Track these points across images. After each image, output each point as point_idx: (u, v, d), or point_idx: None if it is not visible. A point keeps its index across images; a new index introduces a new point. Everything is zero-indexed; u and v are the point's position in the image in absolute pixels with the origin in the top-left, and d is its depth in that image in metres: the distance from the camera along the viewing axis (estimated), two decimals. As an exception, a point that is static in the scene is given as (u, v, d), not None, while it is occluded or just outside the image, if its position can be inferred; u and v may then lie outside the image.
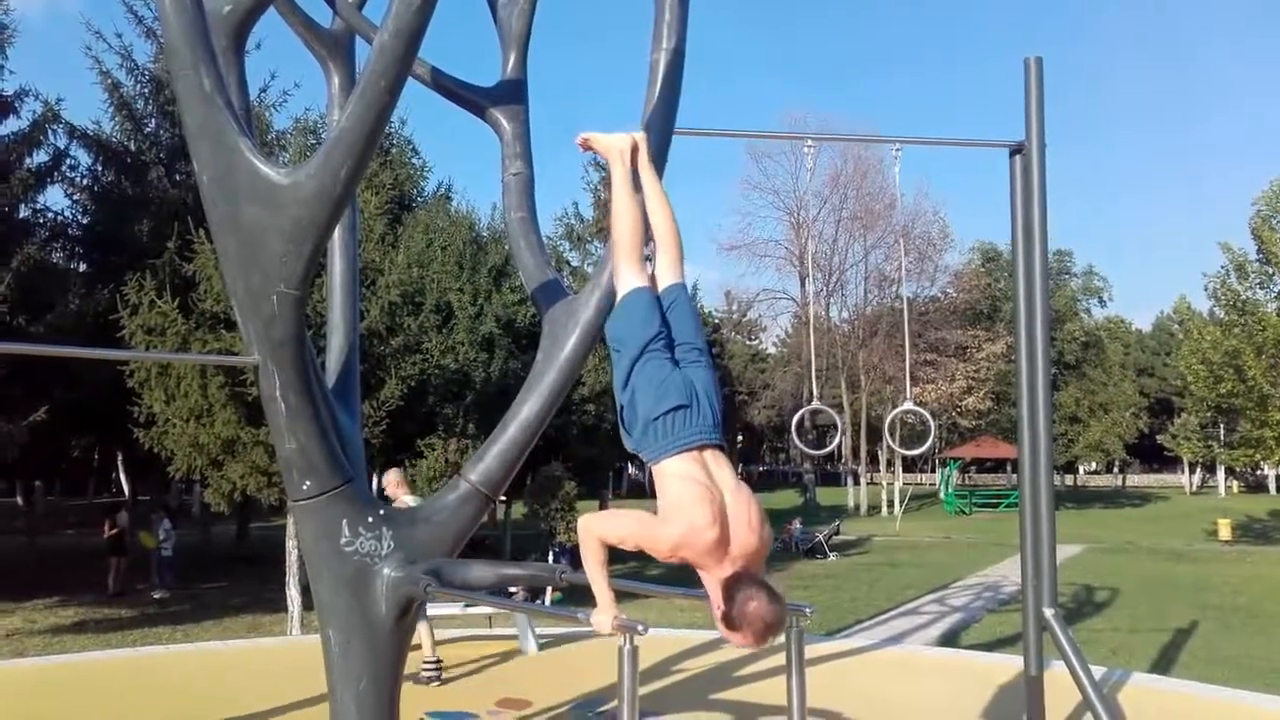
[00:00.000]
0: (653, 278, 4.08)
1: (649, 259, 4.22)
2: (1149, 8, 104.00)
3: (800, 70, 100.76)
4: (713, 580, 3.54)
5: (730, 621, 3.45)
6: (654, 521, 3.60)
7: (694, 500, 3.51)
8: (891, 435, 9.19)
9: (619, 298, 4.04)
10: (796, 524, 31.32)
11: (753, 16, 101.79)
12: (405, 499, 9.37)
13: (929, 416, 8.27)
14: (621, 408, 3.90)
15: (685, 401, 3.71)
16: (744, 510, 3.57)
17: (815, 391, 8.72)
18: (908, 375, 8.94)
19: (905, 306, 20.36)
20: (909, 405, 7.74)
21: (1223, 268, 32.32)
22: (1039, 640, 6.71)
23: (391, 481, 9.81)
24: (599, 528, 3.69)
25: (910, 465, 64.75)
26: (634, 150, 4.21)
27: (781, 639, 3.88)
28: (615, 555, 3.77)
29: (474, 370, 23.13)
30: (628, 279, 4.00)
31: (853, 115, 77.30)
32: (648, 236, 4.19)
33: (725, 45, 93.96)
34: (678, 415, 3.69)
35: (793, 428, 8.86)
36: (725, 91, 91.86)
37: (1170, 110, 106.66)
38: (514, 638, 10.26)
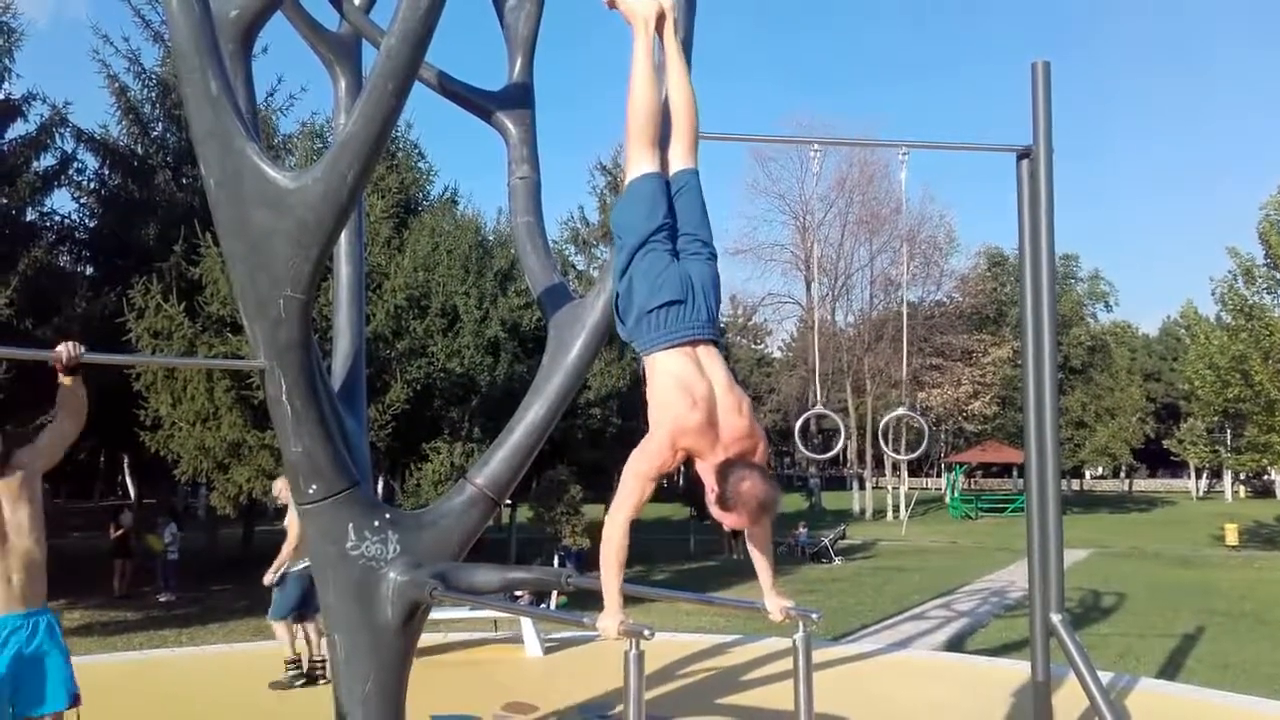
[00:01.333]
0: (664, 160, 3.96)
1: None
2: (1157, 13, 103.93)
3: (806, 74, 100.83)
4: (707, 467, 3.61)
5: (724, 502, 3.52)
6: (644, 447, 3.64)
7: (674, 390, 3.58)
8: (885, 439, 9.16)
9: (627, 181, 3.96)
10: (802, 528, 31.28)
11: (758, 20, 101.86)
12: None
13: (923, 421, 8.28)
14: (617, 295, 3.89)
15: (680, 296, 3.71)
16: (734, 400, 3.64)
17: (820, 396, 8.72)
18: (904, 380, 8.95)
19: (905, 311, 20.34)
20: (903, 410, 7.75)
21: (1230, 272, 32.24)
22: (1046, 645, 6.69)
23: (281, 488, 9.94)
24: (623, 511, 3.66)
25: (916, 470, 64.70)
26: (660, 18, 4.04)
27: (787, 641, 3.86)
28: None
29: (479, 374, 23.12)
30: (638, 163, 3.91)
31: (859, 119, 77.31)
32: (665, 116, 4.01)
33: (730, 49, 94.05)
34: (672, 310, 3.70)
35: (796, 432, 8.86)
36: (730, 96, 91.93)
37: (1177, 115, 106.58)
38: (520, 642, 10.26)
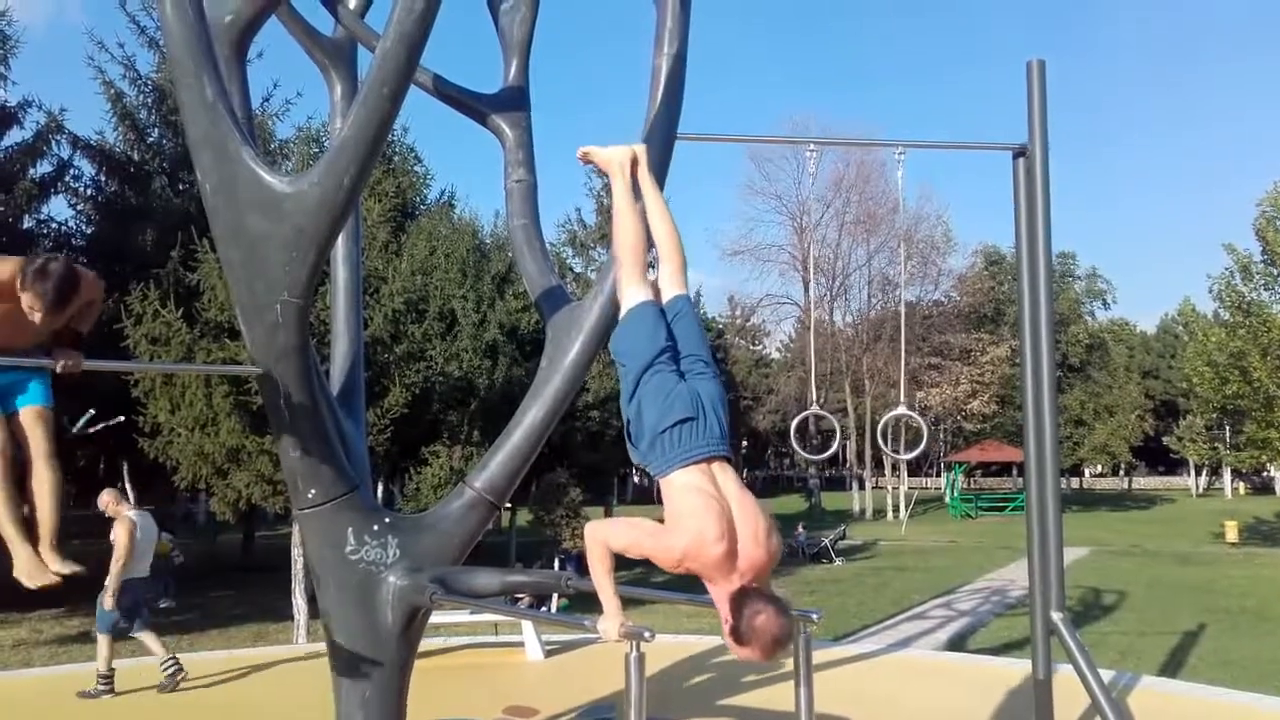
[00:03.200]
0: (656, 289, 4.07)
1: (652, 265, 4.22)
2: (1153, 11, 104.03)
3: (802, 74, 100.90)
4: (720, 594, 3.52)
5: (738, 636, 3.43)
6: (662, 531, 3.58)
7: (702, 512, 3.49)
8: (884, 439, 9.14)
9: (623, 312, 4.03)
10: (801, 529, 31.28)
11: (755, 21, 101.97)
12: (128, 514, 9.58)
13: (921, 420, 8.27)
14: (628, 421, 3.89)
15: (692, 414, 3.70)
16: (751, 522, 3.55)
17: (817, 397, 8.72)
18: (903, 379, 8.94)
19: (903, 310, 20.33)
20: (901, 409, 7.74)
21: (1227, 269, 32.25)
22: (1047, 644, 6.69)
23: (106, 501, 9.98)
24: (606, 534, 3.67)
25: (915, 469, 64.68)
26: (634, 163, 4.21)
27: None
28: (621, 562, 3.75)
29: (478, 377, 23.10)
30: (632, 293, 4.00)
31: (855, 119, 77.35)
32: (650, 246, 4.19)
33: (727, 50, 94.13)
34: (684, 428, 3.68)
35: (792, 433, 8.86)
36: (727, 96, 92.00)
37: (1174, 112, 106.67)
38: (520, 645, 10.25)
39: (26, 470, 4.42)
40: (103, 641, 9.07)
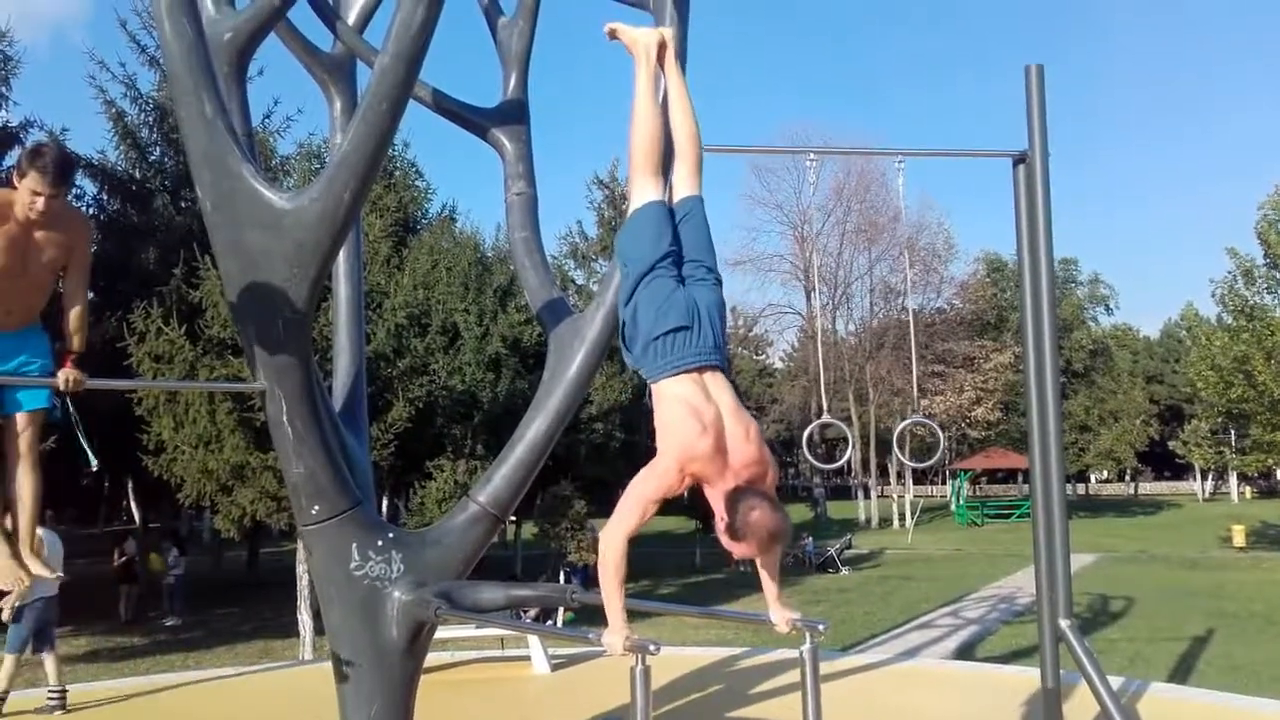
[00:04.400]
0: (668, 187, 3.97)
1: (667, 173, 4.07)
2: (1153, 15, 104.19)
3: (802, 84, 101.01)
4: (716, 495, 3.59)
5: (733, 532, 3.51)
6: (651, 469, 3.62)
7: (682, 417, 3.57)
8: (900, 448, 9.12)
9: (631, 209, 3.96)
10: (807, 539, 31.20)
11: (753, 31, 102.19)
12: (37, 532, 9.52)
13: (938, 428, 8.25)
14: (623, 324, 3.87)
15: (686, 322, 3.69)
16: (741, 427, 3.63)
17: (825, 405, 8.71)
18: (914, 387, 8.93)
19: (911, 318, 20.37)
20: (917, 417, 7.72)
21: (1229, 273, 32.25)
22: (1055, 651, 6.66)
23: None
24: (621, 528, 3.63)
25: (921, 477, 64.56)
26: (661, 48, 4.05)
27: (795, 653, 3.85)
28: (627, 573, 3.74)
29: (481, 391, 23.12)
30: (642, 191, 3.91)
31: (855, 128, 77.39)
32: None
33: (726, 60, 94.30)
34: (678, 336, 3.68)
35: (804, 442, 8.85)
36: (726, 106, 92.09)
37: (1175, 116, 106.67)
38: (527, 658, 10.22)
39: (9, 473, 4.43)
40: (8, 662, 9.01)
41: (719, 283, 3.91)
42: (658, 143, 3.95)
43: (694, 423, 3.54)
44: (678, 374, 3.66)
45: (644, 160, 3.92)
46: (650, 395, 3.83)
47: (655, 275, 3.78)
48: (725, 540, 3.59)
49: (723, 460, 3.56)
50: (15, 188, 4.13)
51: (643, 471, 3.67)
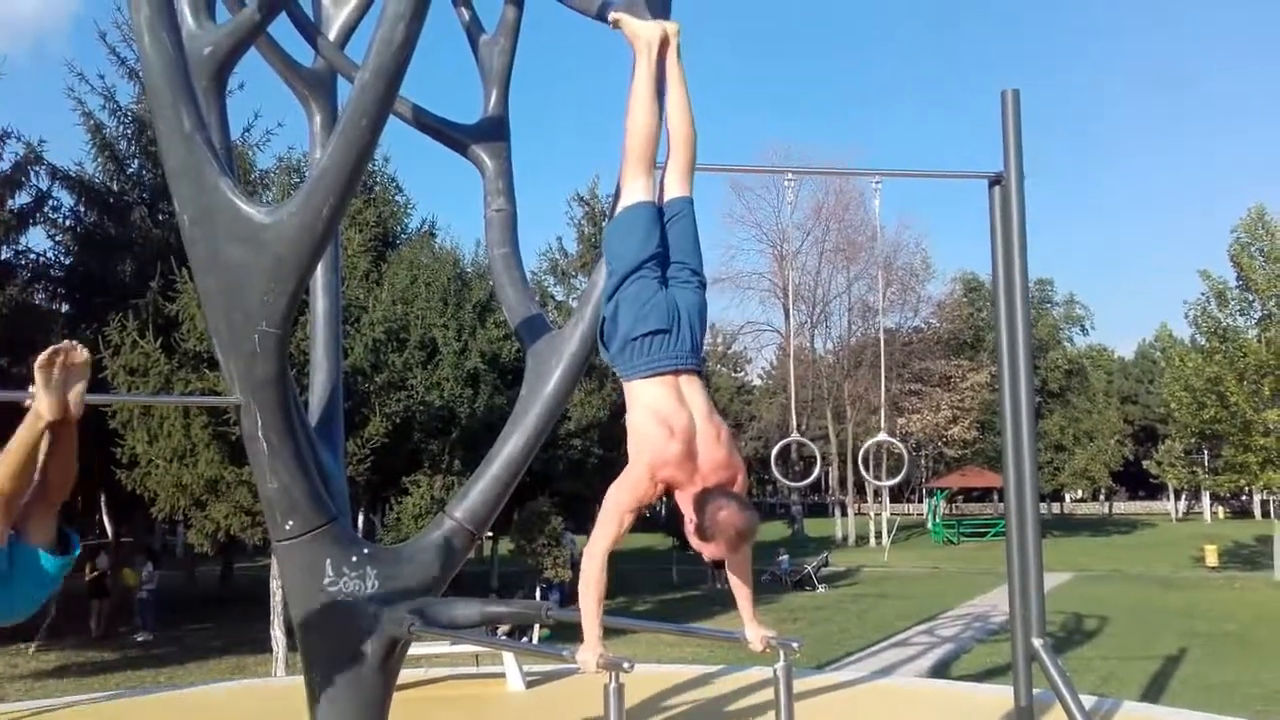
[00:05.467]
0: (661, 186, 3.96)
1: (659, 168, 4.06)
2: (1129, 39, 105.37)
3: (781, 104, 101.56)
4: (685, 497, 3.61)
5: (702, 532, 3.53)
6: (624, 479, 3.64)
7: (653, 422, 3.59)
8: (866, 466, 9.16)
9: (621, 207, 3.96)
10: (782, 555, 31.20)
11: (733, 51, 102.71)
12: None
13: (903, 448, 8.29)
14: (603, 320, 3.88)
15: (665, 326, 3.71)
16: (712, 430, 3.65)
17: (797, 424, 8.74)
18: (883, 407, 8.97)
19: (882, 338, 20.46)
20: (883, 436, 7.77)
21: (1203, 295, 32.59)
22: (1028, 670, 6.69)
23: None
24: (601, 543, 3.65)
25: (897, 495, 64.72)
26: (664, 44, 4.03)
27: (768, 670, 3.85)
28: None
29: (459, 406, 23.05)
30: (633, 189, 3.90)
31: (834, 148, 77.87)
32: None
33: (707, 79, 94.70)
34: (656, 339, 3.70)
35: (773, 460, 8.87)
36: (706, 125, 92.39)
37: (1150, 139, 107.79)
38: (502, 675, 10.17)
39: None
40: None
41: (703, 285, 3.92)
42: (653, 140, 3.94)
43: (664, 428, 3.57)
44: (652, 376, 3.68)
45: (638, 157, 3.91)
46: (625, 403, 3.85)
47: (640, 276, 3.78)
48: (695, 541, 3.61)
49: (693, 465, 3.59)
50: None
51: (616, 482, 3.69)
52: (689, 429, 3.61)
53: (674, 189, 3.96)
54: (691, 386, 3.72)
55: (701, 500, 3.54)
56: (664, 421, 3.58)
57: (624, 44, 5.36)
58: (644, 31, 4.03)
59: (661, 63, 4.01)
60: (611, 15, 4.16)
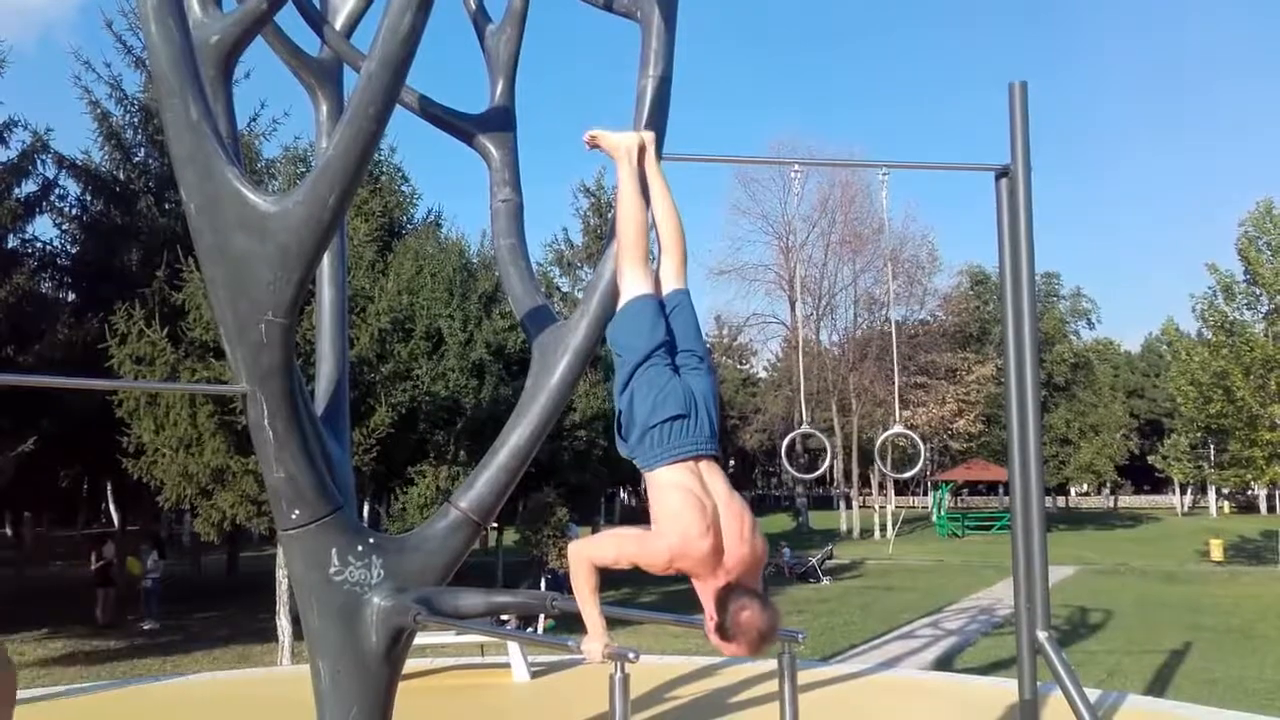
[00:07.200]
0: (657, 280, 4.04)
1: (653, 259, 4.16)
2: (1138, 33, 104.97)
3: (788, 95, 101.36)
4: (706, 591, 3.54)
5: (724, 632, 3.46)
6: (648, 536, 3.59)
7: (687, 510, 3.50)
8: (883, 459, 9.16)
9: (623, 302, 4.00)
10: (786, 548, 31.20)
11: (740, 43, 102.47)
12: None
13: (919, 440, 8.28)
14: (619, 412, 3.89)
15: (683, 411, 3.69)
16: (736, 521, 3.57)
17: (806, 416, 8.75)
18: (896, 398, 8.96)
19: (894, 330, 20.47)
20: (898, 429, 7.75)
21: (1210, 289, 32.52)
22: (1033, 663, 6.69)
23: None
24: (591, 552, 3.66)
25: (902, 488, 64.74)
26: (641, 150, 4.15)
27: (773, 662, 3.86)
28: (607, 581, 3.75)
29: (464, 397, 23.08)
30: (632, 284, 3.96)
31: (841, 140, 77.75)
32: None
33: (713, 71, 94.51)
34: (675, 425, 3.67)
35: (783, 452, 8.88)
36: (713, 117, 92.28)
37: (1158, 132, 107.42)
38: (506, 665, 10.20)
39: None
40: None
41: (711, 371, 3.96)
42: (645, 236, 4.08)
43: (700, 519, 3.48)
44: (674, 463, 3.63)
45: (634, 254, 4.02)
46: (645, 488, 3.80)
47: (651, 364, 3.79)
48: (714, 639, 3.52)
49: (716, 559, 3.51)
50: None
51: (638, 531, 3.65)
52: (717, 522, 3.54)
53: (670, 283, 4.04)
54: (712, 471, 3.68)
55: (724, 598, 3.46)
56: (700, 510, 3.50)
57: (632, 35, 5.37)
58: (622, 142, 4.16)
59: (642, 167, 4.16)
60: (586, 135, 4.26)
